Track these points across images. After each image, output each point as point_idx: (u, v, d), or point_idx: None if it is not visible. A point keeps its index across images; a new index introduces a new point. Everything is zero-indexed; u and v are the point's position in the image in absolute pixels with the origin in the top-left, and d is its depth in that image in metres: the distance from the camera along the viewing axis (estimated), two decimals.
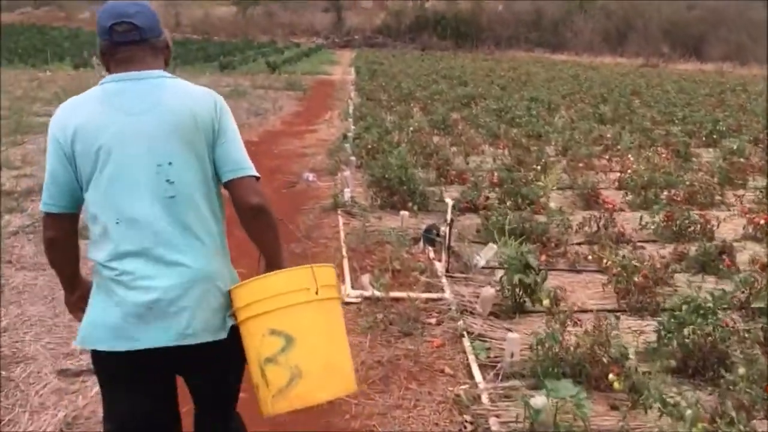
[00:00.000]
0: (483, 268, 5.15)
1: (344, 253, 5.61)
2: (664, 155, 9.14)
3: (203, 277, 2.03)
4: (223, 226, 2.17)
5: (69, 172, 2.01)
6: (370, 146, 8.99)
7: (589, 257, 5.46)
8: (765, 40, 49.98)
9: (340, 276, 5.16)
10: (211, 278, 2.05)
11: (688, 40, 54.26)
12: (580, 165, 8.38)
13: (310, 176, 8.54)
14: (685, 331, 3.66)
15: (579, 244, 5.93)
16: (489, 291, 4.38)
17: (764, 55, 49.00)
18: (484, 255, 5.04)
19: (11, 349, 4.02)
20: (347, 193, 7.07)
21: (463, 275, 5.05)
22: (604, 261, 4.70)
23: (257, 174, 2.11)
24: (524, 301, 4.47)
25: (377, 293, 4.66)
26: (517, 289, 4.40)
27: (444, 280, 4.98)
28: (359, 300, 4.70)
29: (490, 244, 5.08)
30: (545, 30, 56.55)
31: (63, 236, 2.09)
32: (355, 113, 13.80)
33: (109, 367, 2.08)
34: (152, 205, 1.98)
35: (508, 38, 55.75)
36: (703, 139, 11.68)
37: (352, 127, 11.78)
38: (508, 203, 6.81)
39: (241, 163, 2.09)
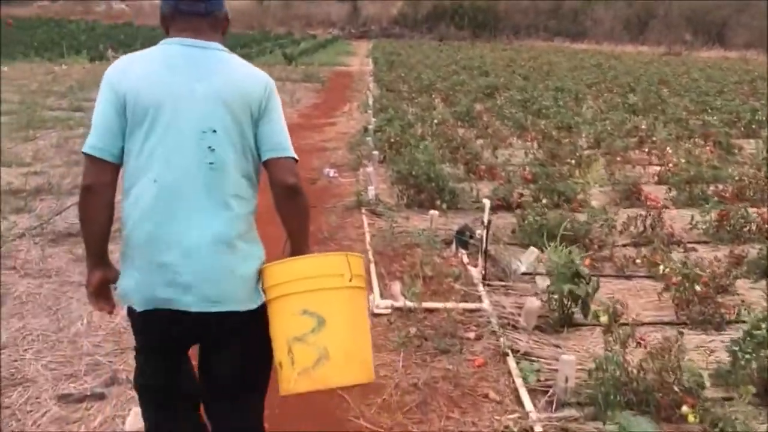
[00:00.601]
0: (523, 274, 4.72)
1: (371, 257, 5.19)
2: (707, 148, 8.60)
3: (232, 245, 2.05)
4: (254, 202, 2.17)
5: (120, 121, 2.03)
6: (393, 140, 8.55)
7: (638, 261, 5.01)
8: None
9: (368, 283, 4.75)
10: (238, 249, 2.06)
11: (710, 27, 53.15)
12: (618, 159, 7.87)
13: (331, 172, 8.14)
14: (764, 353, 3.21)
15: (625, 245, 5.47)
16: (534, 303, 3.95)
17: None
18: (525, 260, 4.61)
19: (10, 369, 3.65)
20: (371, 191, 6.65)
21: (502, 283, 4.61)
22: (660, 268, 4.24)
23: (296, 156, 2.14)
24: (573, 313, 4.04)
25: (409, 304, 4.25)
26: (566, 301, 3.96)
27: (481, 288, 4.55)
28: (389, 311, 4.28)
29: (531, 249, 4.65)
30: (564, 18, 55.58)
31: (104, 185, 2.05)
32: (375, 105, 13.36)
33: (139, 325, 2.17)
34: (190, 169, 2.01)
35: (526, 27, 54.87)
36: (742, 129, 11.11)
37: (373, 119, 11.35)
38: (544, 201, 6.35)
39: (282, 143, 2.12)
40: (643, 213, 5.78)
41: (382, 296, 4.46)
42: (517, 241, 5.52)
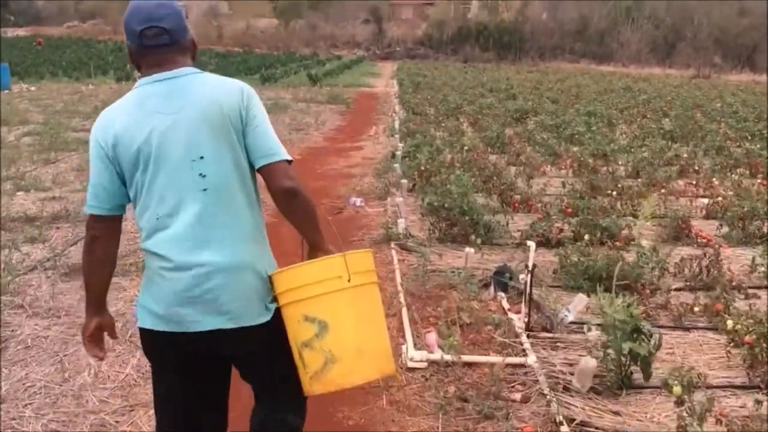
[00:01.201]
0: (571, 323, 4.29)
1: (402, 300, 4.80)
2: (760, 181, 8.10)
3: (238, 265, 2.09)
4: (260, 213, 2.22)
5: (113, 175, 2.09)
6: (422, 168, 8.17)
7: (696, 308, 4.55)
8: None
9: (400, 331, 4.36)
10: (246, 266, 2.11)
11: (740, 50, 52.39)
12: (662, 190, 7.41)
13: (358, 201, 7.78)
14: None
15: (679, 290, 5.02)
16: (590, 363, 3.52)
17: None
18: (574, 308, 4.19)
19: (7, 427, 3.31)
20: (401, 224, 6.27)
21: (549, 335, 4.18)
22: (729, 323, 3.78)
23: (289, 158, 2.15)
24: (632, 372, 3.61)
25: (447, 357, 3.85)
26: (624, 359, 3.53)
27: (525, 339, 4.13)
28: (425, 365, 3.88)
29: (581, 296, 4.22)
30: (591, 40, 55.12)
31: (106, 235, 2.16)
32: (402, 129, 13.03)
33: (154, 347, 2.21)
34: (187, 199, 2.06)
35: (552, 49, 54.51)
36: None
37: (400, 144, 11.00)
38: (586, 237, 5.93)
39: (272, 148, 2.13)
40: (698, 253, 5.33)
41: (416, 346, 4.06)
42: (560, 284, 5.09)
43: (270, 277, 2.15)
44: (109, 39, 51.75)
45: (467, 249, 5.39)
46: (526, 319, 4.24)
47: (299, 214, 2.17)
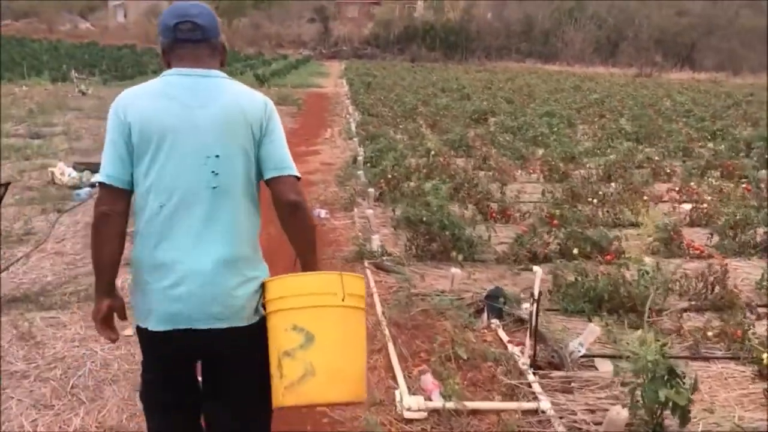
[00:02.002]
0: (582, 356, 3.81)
1: (386, 332, 4.25)
2: (744, 186, 7.82)
3: (235, 265, 2.13)
4: (258, 220, 2.26)
5: (129, 149, 2.11)
6: (389, 175, 7.64)
7: (709, 333, 4.13)
8: (757, 48, 49.47)
9: (389, 371, 3.81)
10: (242, 267, 2.15)
11: (679, 48, 53.68)
12: (645, 198, 7.04)
13: (322, 212, 7.19)
14: None
15: (686, 311, 4.60)
16: (621, 414, 3.03)
17: (757, 63, 48.40)
18: (585, 340, 3.71)
19: None
20: (375, 241, 5.71)
21: (560, 373, 3.68)
22: (765, 357, 3.36)
23: (298, 174, 2.21)
24: (663, 419, 3.14)
25: (449, 405, 3.31)
26: (658, 406, 3.06)
27: (532, 378, 3.63)
28: (425, 414, 3.34)
29: (592, 327, 3.75)
30: (536, 40, 55.65)
31: (116, 213, 2.12)
32: (359, 131, 12.48)
33: (150, 343, 2.24)
34: (195, 193, 2.09)
35: (498, 49, 54.81)
36: (755, 159, 10.41)
37: (360, 148, 10.45)
38: (575, 251, 5.50)
39: (285, 161, 2.19)
40: (693, 266, 4.95)
41: (410, 391, 3.52)
42: (557, 307, 4.62)
43: (263, 284, 2.18)
44: (44, 38, 49.54)
45: (453, 270, 4.87)
46: (531, 354, 3.74)
47: (299, 229, 2.20)
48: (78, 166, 8.72)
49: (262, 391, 2.17)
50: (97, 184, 2.16)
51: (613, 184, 8.44)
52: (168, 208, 2.09)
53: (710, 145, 11.67)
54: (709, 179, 8.22)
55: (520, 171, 9.18)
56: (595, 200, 6.78)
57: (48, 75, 26.91)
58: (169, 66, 2.19)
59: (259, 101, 2.19)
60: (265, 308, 2.16)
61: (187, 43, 2.15)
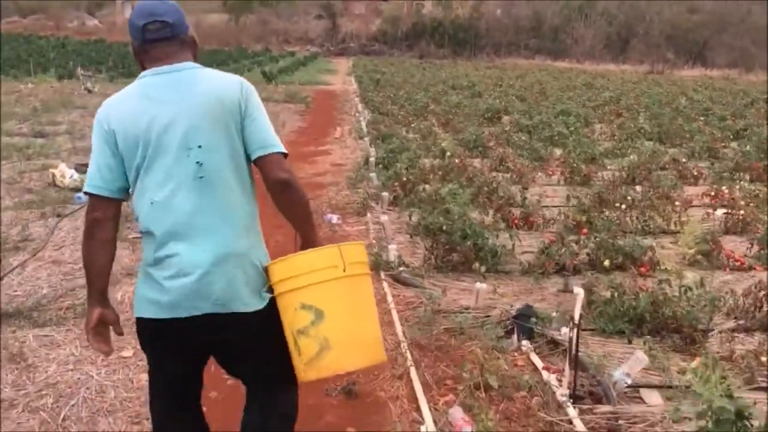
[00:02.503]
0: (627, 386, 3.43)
1: (407, 353, 3.89)
2: None
3: (232, 252, 2.13)
4: (254, 204, 2.25)
5: (116, 157, 2.14)
6: (404, 178, 7.28)
7: (763, 358, 3.75)
8: None
9: (412, 402, 3.45)
10: (240, 253, 2.15)
11: (691, 45, 53.13)
12: (677, 203, 6.64)
13: (334, 218, 6.83)
14: None
15: (733, 332, 4.21)
16: None
17: None
18: (631, 370, 3.34)
19: None
20: (392, 251, 5.34)
21: (605, 408, 3.31)
22: None
23: (284, 151, 2.19)
24: None
25: None
26: None
27: (573, 413, 3.26)
28: None
29: (639, 355, 3.38)
30: (545, 37, 55.11)
31: (106, 220, 2.16)
32: (370, 130, 12.12)
33: (151, 334, 2.23)
34: (183, 186, 2.10)
35: (507, 45, 54.35)
36: None
37: (371, 149, 10.08)
38: (606, 262, 5.13)
39: (269, 140, 2.18)
40: (730, 278, 4.57)
41: (437, 425, 3.16)
42: (593, 326, 4.24)
43: (266, 268, 2.19)
44: (51, 35, 49.34)
45: (478, 284, 4.50)
46: (570, 384, 3.37)
47: (292, 206, 2.20)
48: (80, 168, 8.38)
49: (279, 372, 2.23)
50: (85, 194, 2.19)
51: (638, 187, 8.05)
52: (158, 203, 2.11)
53: (733, 145, 11.24)
54: (741, 183, 7.80)
55: (539, 173, 8.78)
56: (623, 206, 6.39)
57: (54, 72, 26.67)
58: (143, 66, 2.21)
59: (233, 83, 2.19)
60: (272, 292, 2.19)
61: (157, 43, 2.17)
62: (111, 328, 2.27)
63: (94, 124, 2.17)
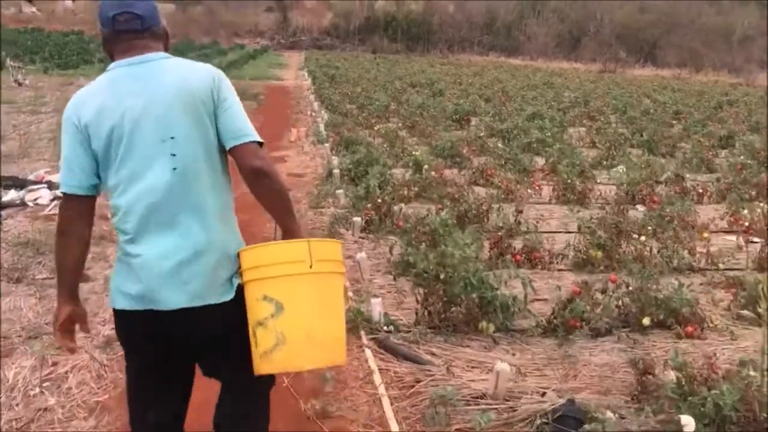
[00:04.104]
0: None
1: None
2: None
3: (207, 243, 2.10)
4: (229, 194, 2.22)
5: (88, 154, 2.09)
6: (380, 199, 6.13)
7: None
8: (718, 45, 49.54)
9: None
10: (214, 244, 2.11)
11: (641, 44, 53.50)
12: (705, 235, 5.63)
13: None
14: None
15: None
16: None
17: (718, 61, 48.39)
18: None
19: None
20: (376, 306, 4.16)
21: None
22: None
23: (260, 139, 2.16)
24: None
25: None
26: None
27: None
28: None
29: None
30: (498, 33, 54.76)
31: (78, 219, 2.14)
32: (329, 132, 10.90)
33: (128, 326, 2.19)
34: (157, 178, 2.06)
35: (460, 41, 53.81)
36: None
37: (334, 157, 8.89)
38: (646, 320, 4.08)
39: (243, 129, 2.14)
40: None
41: None
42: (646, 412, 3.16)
43: (238, 254, 2.16)
44: None
45: (498, 366, 3.36)
46: None
47: (269, 195, 2.15)
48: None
49: (250, 365, 2.14)
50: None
51: (639, 206, 7.08)
52: (136, 197, 2.07)
53: (724, 154, 10.43)
54: (761, 203, 6.85)
55: (526, 188, 7.72)
56: (642, 236, 5.35)
57: None
58: (112, 57, 2.16)
59: (204, 73, 2.15)
60: (241, 277, 2.14)
61: (127, 34, 2.12)
62: (78, 326, 2.24)
63: (63, 120, 2.12)
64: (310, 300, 2.06)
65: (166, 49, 2.20)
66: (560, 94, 21.80)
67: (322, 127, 11.93)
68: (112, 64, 2.13)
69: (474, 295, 4.04)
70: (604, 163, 9.36)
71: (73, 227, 2.11)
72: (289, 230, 2.18)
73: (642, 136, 11.56)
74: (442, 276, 4.03)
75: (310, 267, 2.03)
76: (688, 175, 8.50)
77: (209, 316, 2.10)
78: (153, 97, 2.05)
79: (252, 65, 30.60)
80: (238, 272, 2.14)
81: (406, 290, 4.61)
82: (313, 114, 14.43)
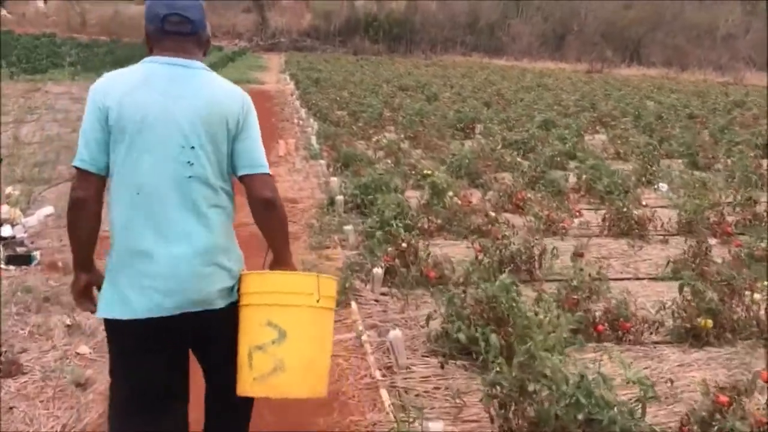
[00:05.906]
0: None
1: None
2: None
3: (209, 252, 2.12)
4: (231, 210, 2.24)
5: (105, 132, 2.09)
6: (403, 242, 4.80)
7: None
8: (702, 43, 49.02)
9: None
10: (216, 254, 2.14)
11: (626, 42, 52.80)
12: None
13: None
14: None
15: None
16: None
17: (703, 58, 47.79)
18: None
19: None
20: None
21: None
22: None
23: (269, 172, 2.22)
24: None
25: None
26: None
27: None
28: None
29: None
30: (482, 33, 53.76)
31: (91, 197, 2.12)
32: (325, 150, 9.54)
33: (124, 334, 2.15)
34: (170, 182, 2.08)
35: (443, 41, 52.72)
36: None
37: (333, 177, 7.55)
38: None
39: (258, 160, 2.19)
40: None
41: None
42: None
43: (241, 276, 2.18)
44: None
45: None
46: None
47: (274, 226, 2.20)
48: None
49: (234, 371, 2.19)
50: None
51: (711, 240, 5.82)
52: (143, 196, 2.07)
53: (766, 164, 9.24)
54: None
55: (570, 216, 6.41)
56: (755, 294, 4.07)
57: None
58: (151, 51, 2.17)
59: (237, 97, 2.19)
60: (239, 297, 2.15)
61: (175, 36, 2.14)
62: (95, 288, 2.23)
63: (89, 95, 2.11)
64: (311, 333, 2.12)
65: (204, 54, 2.22)
66: (558, 96, 20.63)
67: (313, 139, 10.58)
68: (150, 58, 2.16)
69: (580, 416, 2.72)
70: (643, 179, 8.10)
71: (85, 206, 2.10)
72: (282, 259, 2.23)
73: (671, 144, 10.33)
74: (536, 390, 2.72)
75: (317, 301, 2.09)
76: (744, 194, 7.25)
77: (208, 320, 2.14)
78: (181, 102, 2.08)
79: (231, 68, 29.11)
80: (237, 288, 2.16)
81: (463, 392, 3.28)
82: (301, 122, 13.08)
